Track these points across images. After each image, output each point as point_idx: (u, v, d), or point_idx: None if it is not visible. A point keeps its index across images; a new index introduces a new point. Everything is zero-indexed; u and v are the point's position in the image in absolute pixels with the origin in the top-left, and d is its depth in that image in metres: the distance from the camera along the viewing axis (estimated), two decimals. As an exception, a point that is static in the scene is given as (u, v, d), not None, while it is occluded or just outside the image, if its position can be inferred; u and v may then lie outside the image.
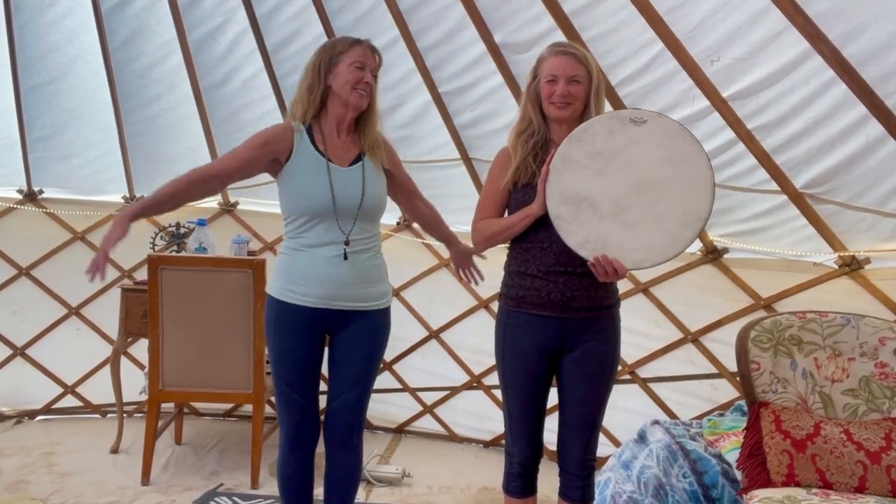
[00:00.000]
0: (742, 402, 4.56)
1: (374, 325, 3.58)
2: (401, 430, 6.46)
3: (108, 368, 5.85)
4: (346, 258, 3.42)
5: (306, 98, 3.47)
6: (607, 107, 3.75)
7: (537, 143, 3.41)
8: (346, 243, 3.43)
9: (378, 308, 3.58)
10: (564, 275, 3.31)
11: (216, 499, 4.92)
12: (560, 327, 3.35)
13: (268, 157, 3.44)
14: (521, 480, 3.56)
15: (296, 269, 3.43)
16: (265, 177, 6.19)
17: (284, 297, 3.43)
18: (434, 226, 4.09)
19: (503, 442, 3.55)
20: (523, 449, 3.53)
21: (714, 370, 5.22)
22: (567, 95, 3.30)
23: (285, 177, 3.45)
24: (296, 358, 3.49)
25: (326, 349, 3.59)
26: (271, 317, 3.48)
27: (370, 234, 3.54)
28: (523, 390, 3.49)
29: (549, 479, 3.69)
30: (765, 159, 4.39)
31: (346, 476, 3.66)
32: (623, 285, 5.45)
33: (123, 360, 5.95)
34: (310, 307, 3.42)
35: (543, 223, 3.30)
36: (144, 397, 5.37)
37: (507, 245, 3.56)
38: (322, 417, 3.62)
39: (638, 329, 5.46)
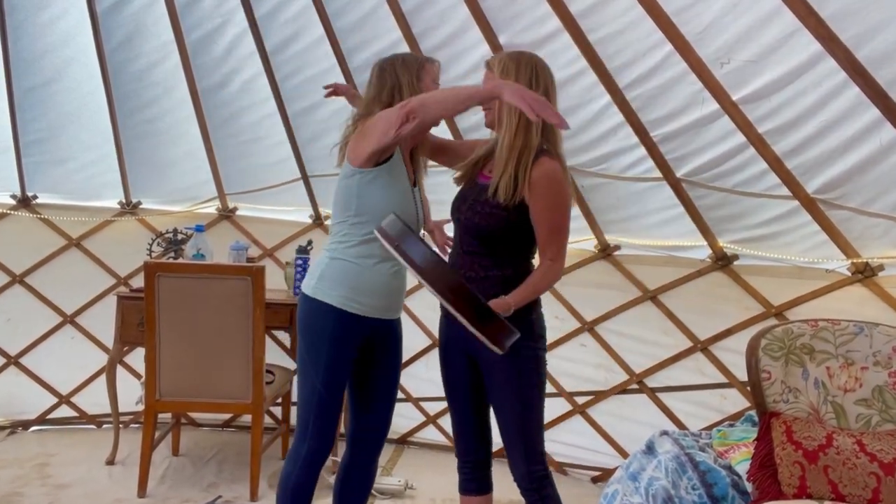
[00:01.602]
0: (752, 413, 4.57)
1: (400, 332, 3.81)
2: (403, 441, 6.47)
3: (103, 378, 5.86)
4: (403, 273, 3.60)
5: None
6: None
7: (488, 150, 3.55)
8: None
9: (399, 315, 3.79)
10: None
11: (214, 511, 4.95)
12: (462, 329, 3.43)
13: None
14: (460, 475, 3.71)
15: (363, 279, 3.50)
16: (264, 182, 6.25)
17: (347, 307, 3.47)
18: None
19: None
20: (456, 443, 3.72)
21: (724, 380, 5.23)
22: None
23: (379, 176, 3.45)
24: (347, 369, 3.58)
25: None
26: (326, 325, 3.49)
27: None
28: (444, 379, 3.69)
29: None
30: (776, 164, 4.40)
31: (372, 481, 3.89)
32: (631, 293, 5.49)
33: (119, 369, 5.94)
34: (369, 317, 3.52)
35: (455, 223, 3.53)
36: (141, 407, 5.38)
37: None
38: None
39: (646, 338, 5.48)
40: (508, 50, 3.60)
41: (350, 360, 3.57)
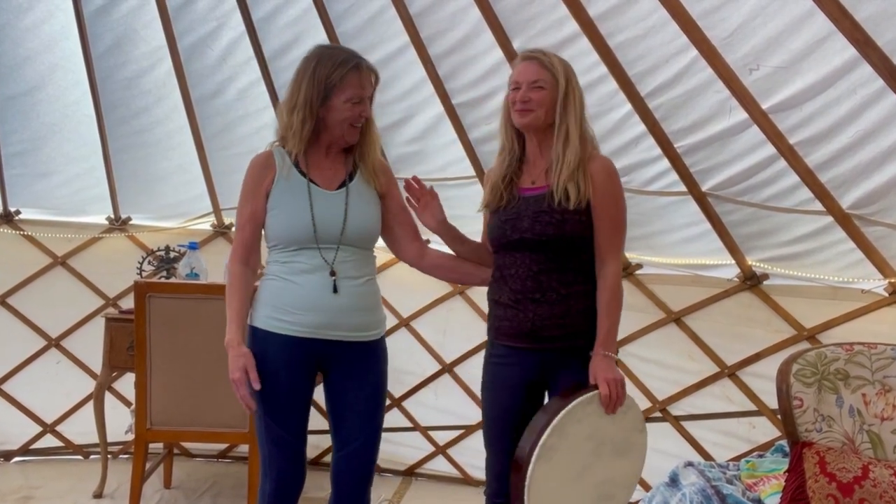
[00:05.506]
0: (783, 443, 4.58)
1: (377, 355, 3.58)
2: (411, 473, 6.48)
3: (90, 405, 5.89)
4: (335, 290, 3.42)
5: (300, 132, 3.49)
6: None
7: (510, 163, 3.54)
8: (333, 273, 3.43)
9: (377, 337, 3.58)
10: (534, 302, 3.39)
11: (209, 548, 4.96)
12: (537, 360, 3.43)
13: (265, 194, 3.49)
14: None
15: (284, 296, 3.41)
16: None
17: (272, 327, 3.40)
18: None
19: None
20: (490, 483, 3.65)
21: (753, 407, 5.23)
22: (528, 101, 3.38)
23: (270, 203, 3.47)
24: (288, 395, 3.45)
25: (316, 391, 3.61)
26: (254, 350, 3.37)
27: (360, 258, 3.53)
28: (495, 423, 3.58)
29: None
30: (808, 177, 4.41)
31: None
32: (654, 314, 5.49)
33: (108, 396, 5.96)
34: (301, 337, 3.40)
35: (508, 248, 3.46)
36: (131, 437, 5.39)
37: None
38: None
39: (669, 362, 5.48)
40: (552, 51, 3.59)
41: (293, 386, 3.45)
